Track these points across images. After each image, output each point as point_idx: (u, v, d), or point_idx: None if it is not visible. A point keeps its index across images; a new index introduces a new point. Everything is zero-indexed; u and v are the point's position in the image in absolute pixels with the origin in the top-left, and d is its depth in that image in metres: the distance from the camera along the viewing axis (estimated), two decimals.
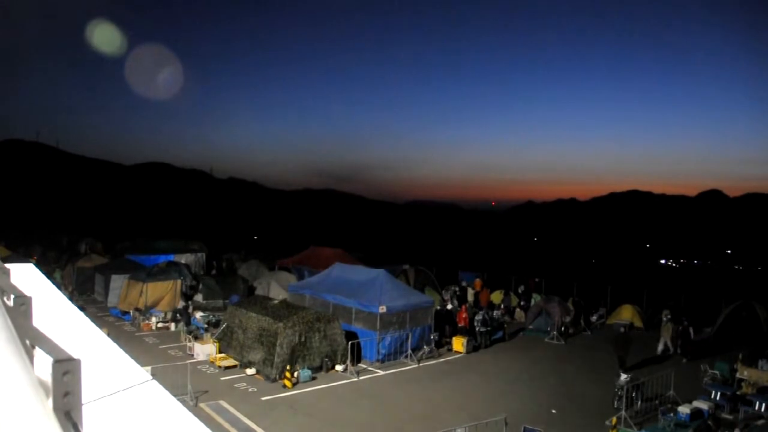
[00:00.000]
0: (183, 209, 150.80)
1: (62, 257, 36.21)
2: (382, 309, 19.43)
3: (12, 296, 1.52)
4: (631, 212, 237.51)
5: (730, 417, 14.71)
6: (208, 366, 18.14)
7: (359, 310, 20.10)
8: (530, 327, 25.26)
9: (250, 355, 17.82)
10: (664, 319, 22.33)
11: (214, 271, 34.64)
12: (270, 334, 17.33)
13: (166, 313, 23.98)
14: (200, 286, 27.01)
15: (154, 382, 1.72)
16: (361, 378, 17.73)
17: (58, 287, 2.72)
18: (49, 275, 2.97)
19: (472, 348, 21.32)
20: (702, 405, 14.63)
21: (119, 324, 23.68)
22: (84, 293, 29.18)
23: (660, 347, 21.51)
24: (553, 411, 15.15)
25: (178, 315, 23.62)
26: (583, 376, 18.58)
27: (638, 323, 26.23)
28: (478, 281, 32.78)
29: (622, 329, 19.28)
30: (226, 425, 13.46)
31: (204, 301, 25.97)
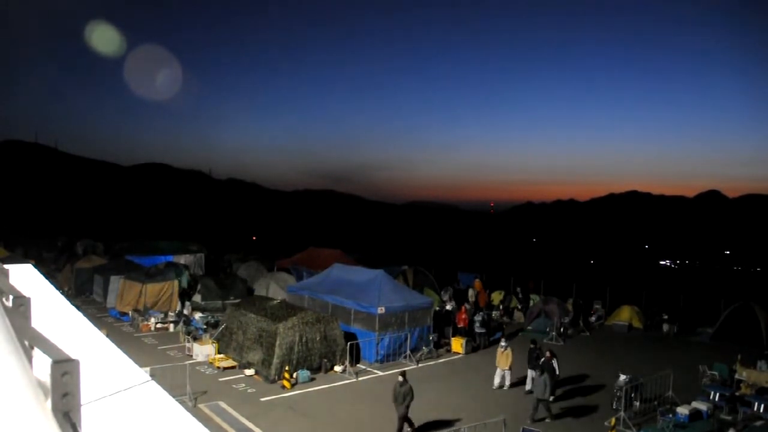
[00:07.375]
0: (182, 210, 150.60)
1: (60, 258, 36.18)
2: (381, 310, 19.42)
3: (11, 297, 1.52)
4: (630, 213, 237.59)
5: (728, 418, 14.73)
6: (207, 367, 18.12)
7: (358, 310, 20.09)
8: (529, 328, 25.30)
9: (249, 355, 17.80)
10: (503, 344, 17.38)
11: (221, 274, 34.54)
12: (269, 335, 17.31)
13: (165, 314, 23.97)
14: (198, 287, 26.99)
15: (153, 382, 1.72)
16: (360, 379, 17.73)
17: (57, 288, 2.73)
18: (48, 276, 2.96)
19: (471, 349, 21.33)
20: (701, 406, 14.65)
21: (118, 325, 23.67)
22: (83, 294, 29.15)
23: (497, 380, 17.21)
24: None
25: (178, 316, 23.68)
26: (582, 377, 18.59)
27: (637, 324, 26.35)
28: (478, 282, 32.79)
29: (400, 378, 13.40)
30: (225, 426, 13.44)
31: (203, 302, 25.95)
